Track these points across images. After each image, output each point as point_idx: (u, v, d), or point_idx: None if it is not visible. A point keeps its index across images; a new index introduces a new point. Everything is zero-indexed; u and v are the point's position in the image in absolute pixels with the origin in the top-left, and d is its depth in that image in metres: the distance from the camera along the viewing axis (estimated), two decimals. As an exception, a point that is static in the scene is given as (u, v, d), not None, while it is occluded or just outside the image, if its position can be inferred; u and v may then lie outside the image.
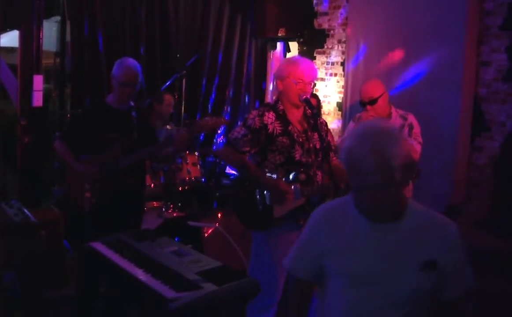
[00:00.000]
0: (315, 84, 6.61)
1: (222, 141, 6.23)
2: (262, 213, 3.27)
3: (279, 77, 3.37)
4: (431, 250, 1.90)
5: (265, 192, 3.30)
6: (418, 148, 4.03)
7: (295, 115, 3.37)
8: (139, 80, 3.74)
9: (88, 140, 3.66)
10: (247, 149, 3.31)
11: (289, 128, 3.30)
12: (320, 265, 2.04)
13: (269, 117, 3.30)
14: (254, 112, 3.36)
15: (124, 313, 3.69)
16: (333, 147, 3.55)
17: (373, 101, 4.09)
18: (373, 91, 4.12)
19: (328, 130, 3.59)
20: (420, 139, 4.09)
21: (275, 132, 3.27)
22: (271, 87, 7.15)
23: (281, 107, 3.35)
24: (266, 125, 3.27)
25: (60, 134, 3.95)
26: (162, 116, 5.38)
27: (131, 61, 3.76)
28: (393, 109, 4.20)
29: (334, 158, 3.51)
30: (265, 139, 3.28)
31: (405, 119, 4.16)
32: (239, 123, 5.46)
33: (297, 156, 3.28)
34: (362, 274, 1.93)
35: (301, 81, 3.27)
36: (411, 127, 4.12)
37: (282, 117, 3.32)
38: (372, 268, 1.91)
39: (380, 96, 4.10)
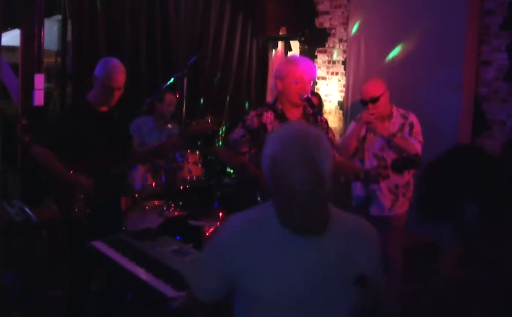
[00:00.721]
0: (316, 83, 6.66)
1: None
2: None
3: (278, 77, 3.37)
4: (360, 262, 1.73)
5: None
6: (418, 147, 4.03)
7: (294, 114, 3.37)
8: (124, 80, 3.61)
9: (73, 144, 3.48)
10: (246, 149, 3.31)
11: (289, 127, 3.31)
12: (231, 288, 1.77)
13: (268, 116, 3.30)
14: (252, 112, 3.37)
15: (125, 312, 3.70)
16: (334, 145, 3.56)
17: (374, 100, 4.09)
18: (374, 90, 4.12)
19: (328, 128, 3.60)
20: (420, 138, 4.09)
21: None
22: (272, 86, 7.15)
23: (280, 107, 3.35)
24: (264, 125, 3.28)
25: (39, 138, 3.66)
26: (163, 115, 5.37)
27: (116, 62, 3.61)
28: (394, 108, 4.20)
29: (336, 156, 3.52)
30: (264, 138, 3.28)
31: (405, 118, 4.16)
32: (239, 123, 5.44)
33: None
34: (288, 297, 1.69)
35: (300, 80, 3.27)
36: (411, 126, 4.12)
37: (280, 116, 3.32)
38: (300, 290, 1.69)
39: (381, 95, 4.09)
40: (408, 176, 4.13)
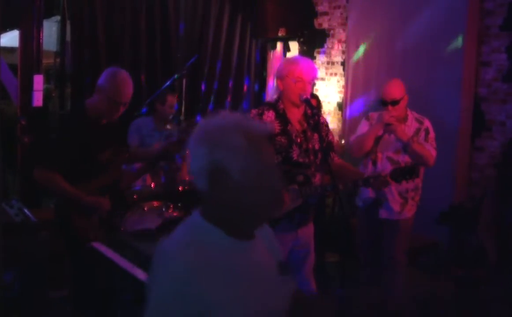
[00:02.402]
0: (315, 84, 6.65)
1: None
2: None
3: (279, 77, 3.38)
4: (277, 252, 1.72)
5: None
6: (434, 153, 3.96)
7: (295, 114, 3.37)
8: (132, 93, 3.34)
9: (77, 163, 3.20)
10: (247, 148, 3.31)
11: (288, 127, 3.30)
12: None
13: (269, 116, 3.30)
14: (254, 111, 3.37)
15: (125, 312, 3.69)
16: (334, 147, 3.55)
17: (395, 103, 4.00)
18: (396, 93, 4.01)
19: (329, 130, 3.58)
20: (435, 145, 3.98)
21: (273, 131, 3.27)
22: (271, 87, 7.15)
23: (281, 106, 3.35)
24: (264, 124, 3.27)
25: (41, 162, 3.25)
26: (164, 116, 5.36)
27: (125, 75, 3.30)
28: (408, 111, 4.11)
29: (336, 158, 3.50)
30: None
31: (421, 123, 4.04)
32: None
33: (295, 156, 3.27)
34: (256, 305, 1.52)
35: (300, 80, 3.27)
36: (427, 132, 4.02)
37: (281, 116, 3.32)
38: (262, 293, 1.56)
39: (401, 98, 4.00)
40: (417, 180, 4.03)
